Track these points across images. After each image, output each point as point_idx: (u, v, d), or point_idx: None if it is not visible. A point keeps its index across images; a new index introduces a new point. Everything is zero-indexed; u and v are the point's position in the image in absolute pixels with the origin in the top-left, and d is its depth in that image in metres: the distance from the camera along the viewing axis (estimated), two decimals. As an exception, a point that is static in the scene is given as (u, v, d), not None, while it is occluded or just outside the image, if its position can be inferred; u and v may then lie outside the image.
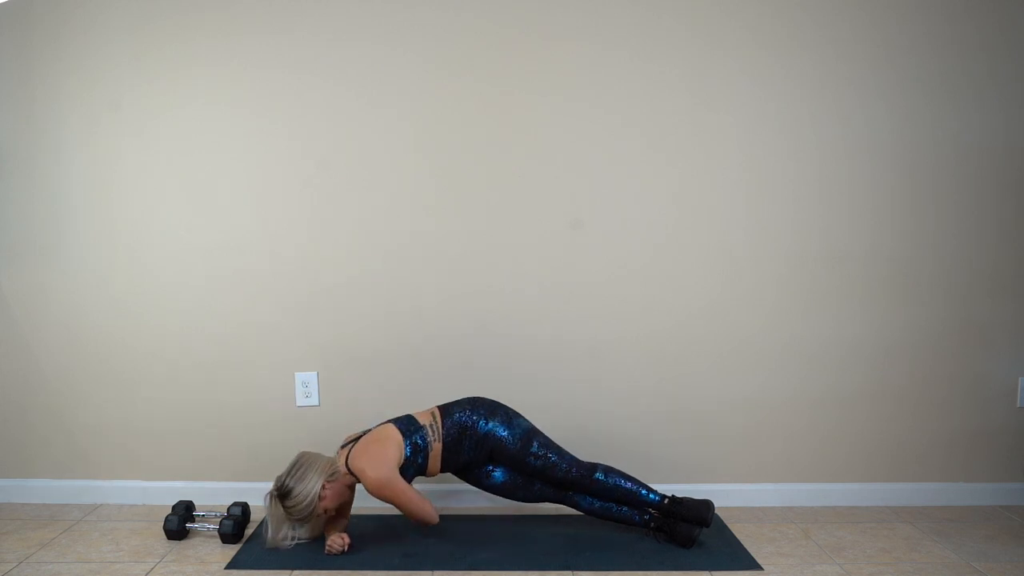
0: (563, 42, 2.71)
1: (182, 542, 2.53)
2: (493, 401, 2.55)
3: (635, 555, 2.40)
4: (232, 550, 2.47)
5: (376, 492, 2.35)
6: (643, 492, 2.49)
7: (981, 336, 2.80)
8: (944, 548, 2.47)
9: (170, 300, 2.81)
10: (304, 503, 2.33)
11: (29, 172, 2.79)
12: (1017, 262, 2.77)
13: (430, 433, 2.45)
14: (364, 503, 2.55)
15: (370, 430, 2.48)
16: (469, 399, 2.54)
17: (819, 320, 2.79)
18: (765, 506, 2.83)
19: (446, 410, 2.50)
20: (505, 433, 2.47)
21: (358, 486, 2.49)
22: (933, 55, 2.70)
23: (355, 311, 2.80)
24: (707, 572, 2.30)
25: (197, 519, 2.63)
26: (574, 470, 2.48)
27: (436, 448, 2.45)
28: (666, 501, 2.49)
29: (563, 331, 2.80)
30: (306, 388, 2.84)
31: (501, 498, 2.60)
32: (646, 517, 2.53)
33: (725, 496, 2.81)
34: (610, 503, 2.54)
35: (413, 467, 2.43)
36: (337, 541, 2.40)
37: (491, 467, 2.53)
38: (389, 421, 2.48)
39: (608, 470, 2.50)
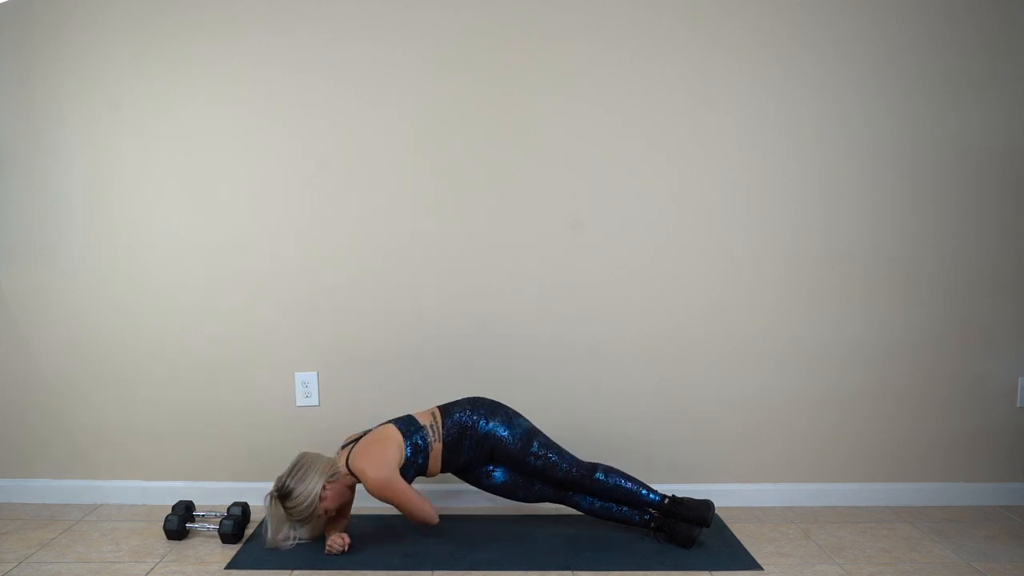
0: (563, 42, 2.71)
1: (182, 542, 2.54)
2: (493, 401, 2.55)
3: (635, 555, 2.40)
4: (232, 550, 2.47)
5: (376, 492, 2.35)
6: (643, 492, 2.49)
7: (981, 336, 2.80)
8: (944, 548, 2.47)
9: (170, 300, 2.81)
10: (305, 504, 2.33)
11: (29, 172, 2.79)
12: (1017, 262, 2.77)
13: (430, 433, 2.45)
14: (364, 503, 2.55)
15: (370, 430, 2.48)
16: (469, 399, 2.54)
17: (819, 320, 2.79)
18: (765, 506, 2.83)
19: (446, 410, 2.50)
20: (505, 433, 2.47)
21: (358, 486, 2.49)
22: (933, 55, 2.70)
23: (355, 311, 2.80)
24: (707, 572, 2.30)
25: (197, 519, 2.63)
26: (574, 470, 2.48)
27: (436, 448, 2.45)
28: (666, 501, 2.49)
29: (563, 331, 2.80)
30: (306, 388, 2.84)
31: (501, 498, 2.60)
32: (646, 517, 2.53)
33: (725, 496, 2.81)
34: (610, 503, 2.54)
35: (413, 467, 2.43)
36: (337, 541, 2.40)
37: (491, 467, 2.53)
38: (389, 421, 2.48)
39: (608, 470, 2.50)
